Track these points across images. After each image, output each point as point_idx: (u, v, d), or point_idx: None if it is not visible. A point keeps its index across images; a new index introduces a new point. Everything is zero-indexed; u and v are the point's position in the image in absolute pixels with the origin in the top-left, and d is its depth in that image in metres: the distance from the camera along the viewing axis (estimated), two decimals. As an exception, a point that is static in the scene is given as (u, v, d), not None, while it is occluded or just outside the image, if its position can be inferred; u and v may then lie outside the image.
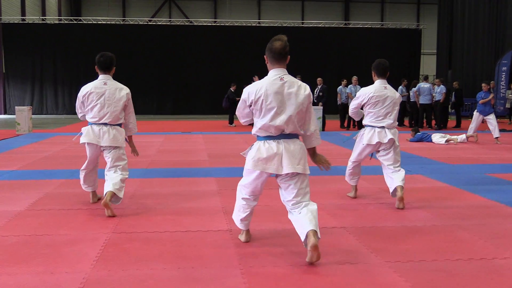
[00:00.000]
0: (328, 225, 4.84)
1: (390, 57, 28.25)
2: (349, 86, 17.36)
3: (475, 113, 13.05)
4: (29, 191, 6.42)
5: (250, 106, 3.91)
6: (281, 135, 3.87)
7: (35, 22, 26.91)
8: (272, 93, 3.80)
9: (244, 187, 4.16)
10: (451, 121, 18.17)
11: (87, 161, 5.65)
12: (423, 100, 17.02)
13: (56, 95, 26.25)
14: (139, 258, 3.91)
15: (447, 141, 12.23)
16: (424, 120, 17.36)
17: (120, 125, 5.57)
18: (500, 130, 15.85)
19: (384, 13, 34.12)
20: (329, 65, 26.78)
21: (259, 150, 3.89)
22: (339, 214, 5.29)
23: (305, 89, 3.89)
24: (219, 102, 26.63)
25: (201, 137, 14.07)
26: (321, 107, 16.59)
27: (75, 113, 5.83)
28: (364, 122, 5.86)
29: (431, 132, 13.93)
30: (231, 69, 26.24)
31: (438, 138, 12.44)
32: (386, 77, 5.80)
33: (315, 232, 3.70)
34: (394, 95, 5.74)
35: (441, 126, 17.00)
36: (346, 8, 34.11)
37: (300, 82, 3.92)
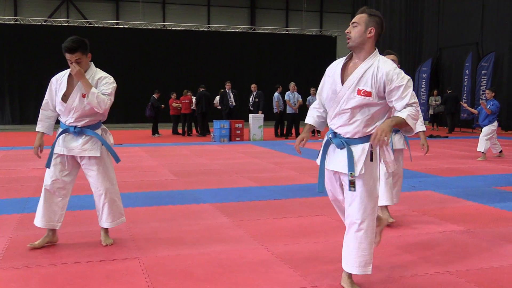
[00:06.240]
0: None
1: (306, 63, 28.27)
2: (286, 93, 16.45)
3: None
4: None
5: None
6: None
7: None
8: None
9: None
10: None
11: None
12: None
13: None
14: None
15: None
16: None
17: None
18: (428, 137, 15.95)
19: (289, 20, 33.75)
20: (240, 70, 25.91)
21: None
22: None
23: None
24: (130, 110, 24.73)
25: (140, 150, 12.41)
26: (262, 115, 15.58)
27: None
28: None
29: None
30: (137, 74, 24.94)
31: None
32: None
33: None
34: None
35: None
36: (252, 14, 33.29)
37: None
